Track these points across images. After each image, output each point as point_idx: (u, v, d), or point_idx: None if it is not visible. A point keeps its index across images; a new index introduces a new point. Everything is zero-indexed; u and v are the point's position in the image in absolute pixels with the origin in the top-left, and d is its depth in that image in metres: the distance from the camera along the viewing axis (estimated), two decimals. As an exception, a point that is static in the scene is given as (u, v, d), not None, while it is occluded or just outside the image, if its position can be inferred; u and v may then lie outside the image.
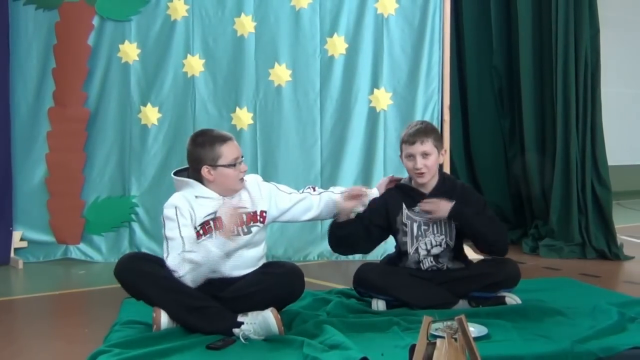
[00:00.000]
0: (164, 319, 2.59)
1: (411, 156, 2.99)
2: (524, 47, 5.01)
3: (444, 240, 3.02)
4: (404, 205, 3.03)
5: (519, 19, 5.03)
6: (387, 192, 3.13)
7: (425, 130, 3.03)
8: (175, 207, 2.69)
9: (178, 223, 2.66)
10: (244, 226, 2.75)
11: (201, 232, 2.69)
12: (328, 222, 4.64)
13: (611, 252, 4.49)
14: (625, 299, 2.99)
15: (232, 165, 2.74)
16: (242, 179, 2.78)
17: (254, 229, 2.78)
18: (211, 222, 2.70)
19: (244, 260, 2.75)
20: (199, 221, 2.70)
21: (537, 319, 2.69)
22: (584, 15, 4.80)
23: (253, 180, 2.90)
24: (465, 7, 5.45)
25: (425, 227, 3.01)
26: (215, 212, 2.70)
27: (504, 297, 2.96)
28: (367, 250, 3.19)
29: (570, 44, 4.80)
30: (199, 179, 2.76)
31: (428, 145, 2.99)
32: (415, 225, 3.02)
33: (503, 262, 3.03)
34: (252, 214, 2.79)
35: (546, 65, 4.95)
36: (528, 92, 5.02)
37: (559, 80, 4.81)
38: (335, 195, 2.99)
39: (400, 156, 3.09)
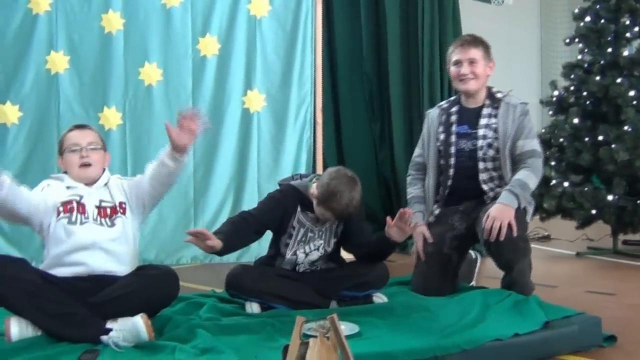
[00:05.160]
0: (14, 329, 2.45)
1: (329, 219, 2.94)
2: (392, 54, 5.19)
3: (322, 245, 3.05)
4: (298, 208, 3.00)
5: (387, 27, 5.20)
6: (284, 193, 3.05)
7: (354, 203, 2.90)
8: (48, 182, 2.75)
9: (38, 186, 2.71)
10: (107, 219, 2.72)
11: (61, 209, 2.67)
12: (202, 223, 4.66)
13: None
14: (487, 291, 3.14)
15: (72, 150, 2.75)
16: (84, 165, 2.74)
17: (117, 221, 2.73)
18: (74, 203, 2.69)
19: (112, 256, 2.68)
20: (63, 199, 2.69)
21: (406, 315, 2.78)
22: (448, 25, 5.03)
23: (114, 177, 2.89)
24: (337, 13, 5.56)
25: (312, 234, 3.02)
26: (81, 197, 2.71)
27: (371, 296, 3.03)
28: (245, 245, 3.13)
29: (435, 51, 5.02)
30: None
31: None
32: (302, 230, 3.01)
33: (374, 263, 3.10)
34: (113, 207, 2.76)
35: (413, 72, 5.14)
36: (397, 97, 5.20)
37: (425, 86, 5.01)
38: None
39: (316, 198, 2.90)
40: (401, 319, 2.74)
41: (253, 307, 2.89)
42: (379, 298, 3.04)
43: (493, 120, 3.17)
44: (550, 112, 5.24)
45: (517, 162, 3.12)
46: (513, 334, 2.52)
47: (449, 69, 3.28)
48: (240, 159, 4.76)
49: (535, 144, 3.14)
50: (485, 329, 2.56)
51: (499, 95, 3.24)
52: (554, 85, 5.26)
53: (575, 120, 4.93)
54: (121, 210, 2.77)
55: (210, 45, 4.71)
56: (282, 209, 2.98)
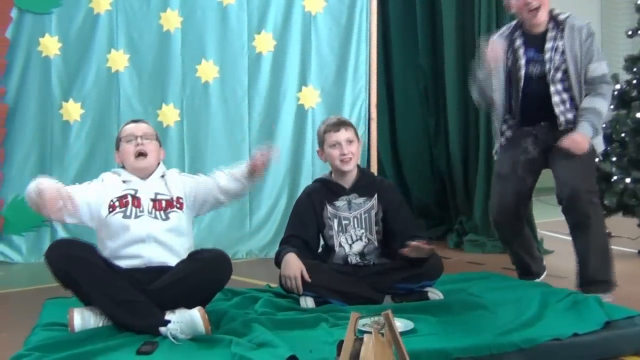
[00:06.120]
0: (77, 320, 2.53)
1: (337, 144, 3.06)
2: (448, 47, 5.12)
3: (364, 234, 3.07)
4: (326, 201, 3.10)
5: (443, 19, 5.14)
6: (311, 189, 3.18)
7: (345, 121, 3.17)
8: (102, 177, 2.85)
9: (90, 183, 2.82)
10: (162, 212, 2.78)
11: (117, 204, 2.75)
12: (257, 219, 4.71)
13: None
14: (545, 290, 3.08)
15: (127, 141, 2.84)
16: (139, 154, 2.82)
17: (172, 215, 2.80)
18: (129, 197, 2.77)
19: (167, 249, 2.74)
20: (117, 194, 2.77)
21: (461, 312, 2.75)
22: (505, 15, 4.93)
23: (172, 171, 2.98)
24: (392, 7, 5.52)
25: (347, 222, 3.07)
26: (136, 190, 2.79)
27: (426, 292, 3.02)
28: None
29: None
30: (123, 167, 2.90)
31: (351, 133, 3.10)
32: (336, 221, 3.08)
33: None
34: (169, 200, 2.83)
35: (469, 65, 5.06)
36: (452, 91, 5.13)
37: (481, 80, 4.92)
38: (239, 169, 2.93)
39: (321, 149, 3.14)
40: (457, 316, 2.72)
41: (307, 302, 2.91)
42: (435, 294, 3.02)
43: (560, 43, 3.17)
44: (612, 107, 5.09)
45: (588, 85, 3.16)
46: (572, 334, 2.46)
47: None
48: (294, 155, 4.78)
49: (605, 68, 3.18)
50: (543, 327, 2.52)
51: (561, 17, 3.23)
52: (615, 78, 5.11)
53: (638, 115, 4.78)
54: (177, 205, 2.82)
55: (265, 42, 4.75)
56: (311, 209, 3.10)
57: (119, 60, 4.58)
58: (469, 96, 5.10)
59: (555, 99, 3.18)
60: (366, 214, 3.09)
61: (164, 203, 2.80)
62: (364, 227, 3.08)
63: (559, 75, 3.17)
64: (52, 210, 2.51)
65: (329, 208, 3.10)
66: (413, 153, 5.53)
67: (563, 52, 3.15)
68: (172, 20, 4.63)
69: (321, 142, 3.13)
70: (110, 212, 2.74)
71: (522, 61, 3.23)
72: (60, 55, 4.54)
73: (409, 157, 5.56)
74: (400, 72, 5.56)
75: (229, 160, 4.68)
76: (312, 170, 4.73)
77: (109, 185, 2.81)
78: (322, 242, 3.18)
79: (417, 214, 5.42)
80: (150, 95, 4.65)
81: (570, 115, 3.18)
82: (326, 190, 3.13)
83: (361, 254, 3.08)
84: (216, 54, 4.70)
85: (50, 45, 4.51)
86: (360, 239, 3.08)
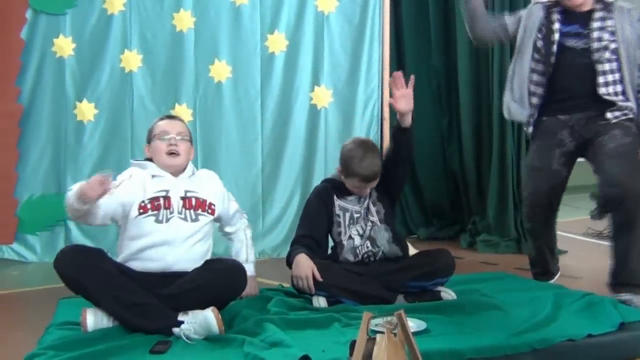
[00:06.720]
0: (90, 320, 2.54)
1: (362, 188, 3.09)
2: (461, 46, 5.10)
3: (368, 218, 3.11)
4: (335, 197, 3.12)
5: (456, 18, 5.12)
6: (320, 189, 3.20)
7: (377, 163, 3.03)
8: (130, 173, 2.79)
9: (119, 179, 2.75)
10: (192, 211, 2.77)
11: (149, 206, 2.71)
12: (270, 218, 4.72)
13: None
14: (560, 291, 3.07)
15: (160, 139, 2.81)
16: (171, 154, 2.80)
17: (201, 218, 2.79)
18: (161, 199, 2.73)
19: (190, 254, 2.74)
20: (149, 195, 2.73)
21: (474, 313, 2.74)
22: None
23: (209, 173, 2.99)
24: (404, 6, 5.51)
25: (357, 215, 3.10)
26: (167, 191, 2.76)
27: (439, 292, 3.01)
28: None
29: (506, 43, 4.90)
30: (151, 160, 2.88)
31: (377, 179, 3.08)
32: (347, 215, 3.10)
33: (438, 252, 3.10)
34: (201, 200, 2.81)
35: (483, 64, 5.05)
36: (465, 91, 5.12)
37: (495, 78, 4.91)
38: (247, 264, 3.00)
39: (342, 173, 3.11)
40: (470, 316, 2.71)
41: (320, 302, 2.91)
42: (448, 294, 3.01)
43: (609, 22, 3.09)
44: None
45: None
46: (586, 335, 2.45)
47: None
48: (307, 155, 4.78)
49: None
50: (557, 328, 2.51)
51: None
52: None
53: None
54: (209, 210, 2.83)
55: (278, 42, 4.75)
56: (323, 207, 3.12)
57: (132, 60, 4.60)
58: (482, 95, 5.11)
59: (600, 79, 3.07)
60: (370, 201, 3.14)
61: (194, 201, 2.79)
62: (368, 213, 3.11)
63: (607, 55, 3.06)
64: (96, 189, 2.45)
65: (339, 202, 3.12)
66: (426, 153, 5.51)
67: (613, 33, 3.06)
68: (185, 20, 4.64)
69: (346, 174, 3.08)
70: (140, 214, 2.71)
71: (557, 35, 3.12)
72: (74, 55, 4.56)
73: (421, 156, 5.54)
74: (413, 71, 5.48)
75: (242, 160, 4.72)
76: (324, 170, 4.73)
77: (138, 183, 2.76)
78: (331, 244, 3.19)
79: (430, 213, 5.41)
80: (164, 95, 4.66)
81: (618, 98, 3.06)
82: (334, 189, 3.16)
83: (371, 240, 3.09)
84: (229, 54, 4.70)
85: (65, 45, 4.53)
86: (367, 224, 3.11)
